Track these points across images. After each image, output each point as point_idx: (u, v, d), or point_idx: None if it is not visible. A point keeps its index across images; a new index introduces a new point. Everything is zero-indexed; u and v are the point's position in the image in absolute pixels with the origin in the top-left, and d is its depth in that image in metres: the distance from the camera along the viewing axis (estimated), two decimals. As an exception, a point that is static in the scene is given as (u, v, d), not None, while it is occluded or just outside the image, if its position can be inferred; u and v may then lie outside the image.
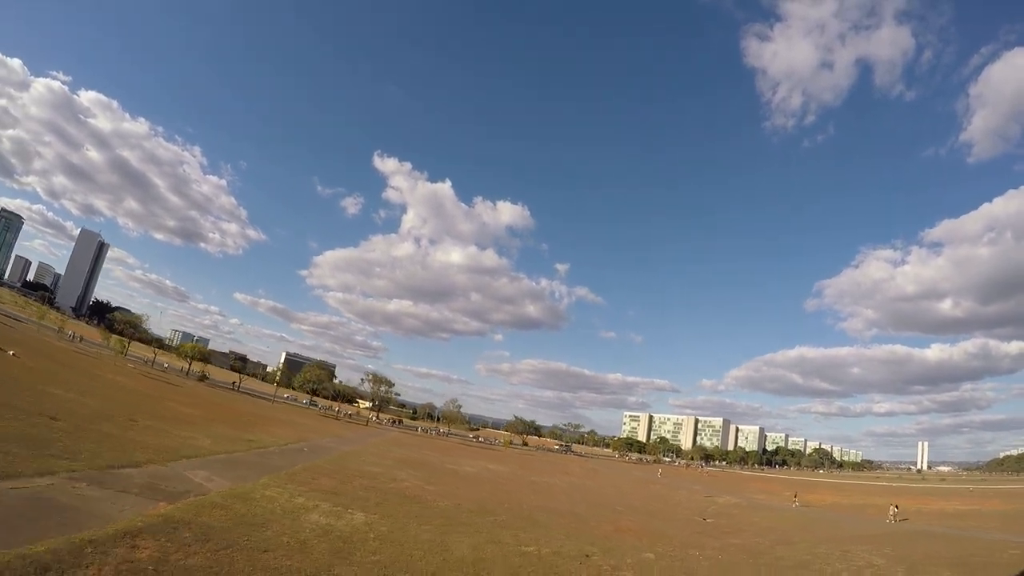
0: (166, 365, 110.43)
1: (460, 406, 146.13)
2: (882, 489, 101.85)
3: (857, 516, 51.20)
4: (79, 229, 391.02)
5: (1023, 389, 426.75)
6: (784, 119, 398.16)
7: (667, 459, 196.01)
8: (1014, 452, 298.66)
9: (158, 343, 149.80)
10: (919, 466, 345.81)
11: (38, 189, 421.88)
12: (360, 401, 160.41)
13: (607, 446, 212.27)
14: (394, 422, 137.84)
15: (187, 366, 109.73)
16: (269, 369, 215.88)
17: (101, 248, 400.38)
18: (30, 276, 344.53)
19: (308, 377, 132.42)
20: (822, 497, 74.25)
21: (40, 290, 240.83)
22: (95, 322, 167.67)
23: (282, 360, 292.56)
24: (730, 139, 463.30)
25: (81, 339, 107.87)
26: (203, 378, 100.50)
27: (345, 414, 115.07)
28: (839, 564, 23.48)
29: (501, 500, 32.35)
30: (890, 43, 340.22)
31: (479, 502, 29.77)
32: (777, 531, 35.06)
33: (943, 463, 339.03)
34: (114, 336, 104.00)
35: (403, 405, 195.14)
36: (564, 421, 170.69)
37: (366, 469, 34.79)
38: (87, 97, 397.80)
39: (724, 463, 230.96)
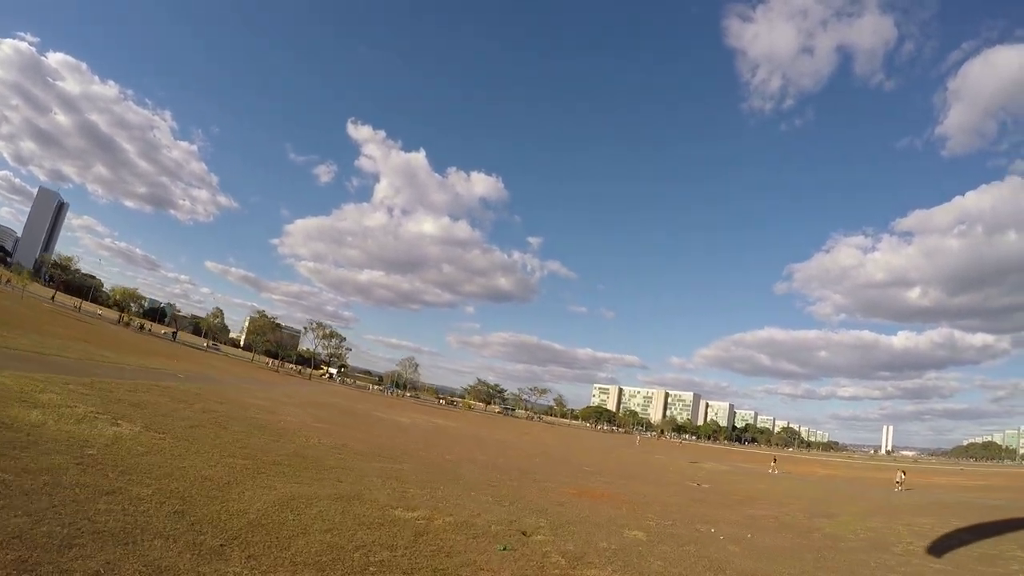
0: (99, 313, 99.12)
1: (417, 365, 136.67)
2: (865, 465, 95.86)
3: (864, 486, 43.23)
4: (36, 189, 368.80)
5: (985, 380, 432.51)
6: (762, 101, 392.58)
7: (638, 432, 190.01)
8: (978, 440, 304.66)
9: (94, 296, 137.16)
10: (884, 449, 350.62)
11: (4, 155, 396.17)
12: (324, 367, 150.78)
13: (576, 418, 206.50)
14: (342, 380, 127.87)
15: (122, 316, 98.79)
16: (233, 335, 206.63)
17: (60, 208, 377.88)
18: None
19: (252, 328, 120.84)
20: (811, 469, 67.09)
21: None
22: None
23: (246, 323, 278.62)
24: (707, 115, 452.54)
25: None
26: (126, 323, 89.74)
27: (292, 371, 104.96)
28: (920, 542, 14.86)
29: (418, 449, 23.06)
30: (872, 32, 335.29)
31: (381, 447, 20.53)
32: (800, 500, 26.39)
33: (905, 447, 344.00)
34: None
35: (369, 372, 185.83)
36: (529, 386, 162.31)
37: (243, 400, 25.21)
38: (55, 59, 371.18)
39: (694, 437, 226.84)
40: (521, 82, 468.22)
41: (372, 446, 20.27)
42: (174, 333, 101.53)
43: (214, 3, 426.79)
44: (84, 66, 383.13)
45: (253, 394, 31.34)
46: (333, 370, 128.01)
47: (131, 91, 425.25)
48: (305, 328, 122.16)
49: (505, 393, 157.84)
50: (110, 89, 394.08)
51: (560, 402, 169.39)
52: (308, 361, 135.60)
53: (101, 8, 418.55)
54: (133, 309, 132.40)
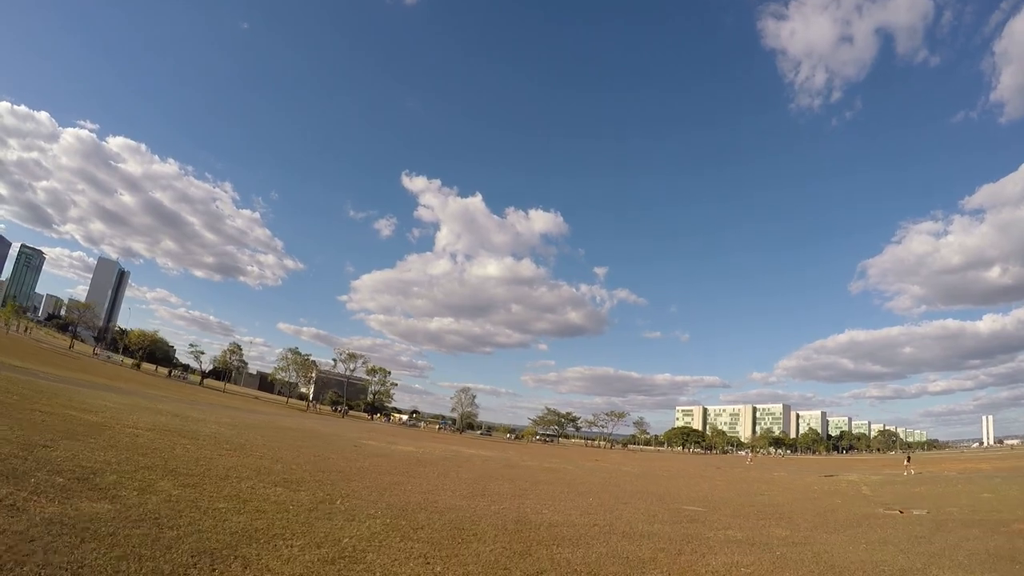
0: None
1: (475, 396, 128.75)
2: (999, 455, 79.47)
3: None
4: (87, 255, 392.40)
5: None
6: (809, 99, 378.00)
7: (748, 451, 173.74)
8: None
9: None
10: (986, 441, 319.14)
11: (76, 236, 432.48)
12: (399, 415, 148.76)
13: (661, 443, 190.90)
14: (413, 423, 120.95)
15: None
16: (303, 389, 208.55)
17: (122, 276, 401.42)
18: (63, 312, 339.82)
19: (282, 366, 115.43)
20: (952, 466, 54.16)
21: (55, 319, 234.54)
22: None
23: (313, 378, 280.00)
24: (758, 125, 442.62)
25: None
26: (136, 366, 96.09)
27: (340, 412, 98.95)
28: None
29: (385, 486, 14.06)
30: (908, 8, 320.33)
31: (317, 470, 11.53)
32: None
33: (1008, 437, 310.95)
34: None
35: (443, 416, 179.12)
36: (606, 410, 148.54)
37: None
38: (115, 143, 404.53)
39: (789, 451, 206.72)
40: (571, 116, 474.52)
41: (304, 471, 11.40)
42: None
43: (261, 73, 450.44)
44: (143, 147, 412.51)
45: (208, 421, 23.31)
46: (404, 416, 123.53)
47: (191, 167, 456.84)
48: (335, 360, 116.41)
49: (578, 421, 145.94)
50: (170, 167, 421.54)
51: (641, 425, 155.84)
52: (376, 408, 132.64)
53: (154, 91, 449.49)
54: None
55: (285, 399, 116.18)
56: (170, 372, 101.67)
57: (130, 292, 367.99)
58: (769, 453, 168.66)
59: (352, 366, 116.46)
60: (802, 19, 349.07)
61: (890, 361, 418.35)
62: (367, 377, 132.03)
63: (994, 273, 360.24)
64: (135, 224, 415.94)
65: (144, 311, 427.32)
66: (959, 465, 61.35)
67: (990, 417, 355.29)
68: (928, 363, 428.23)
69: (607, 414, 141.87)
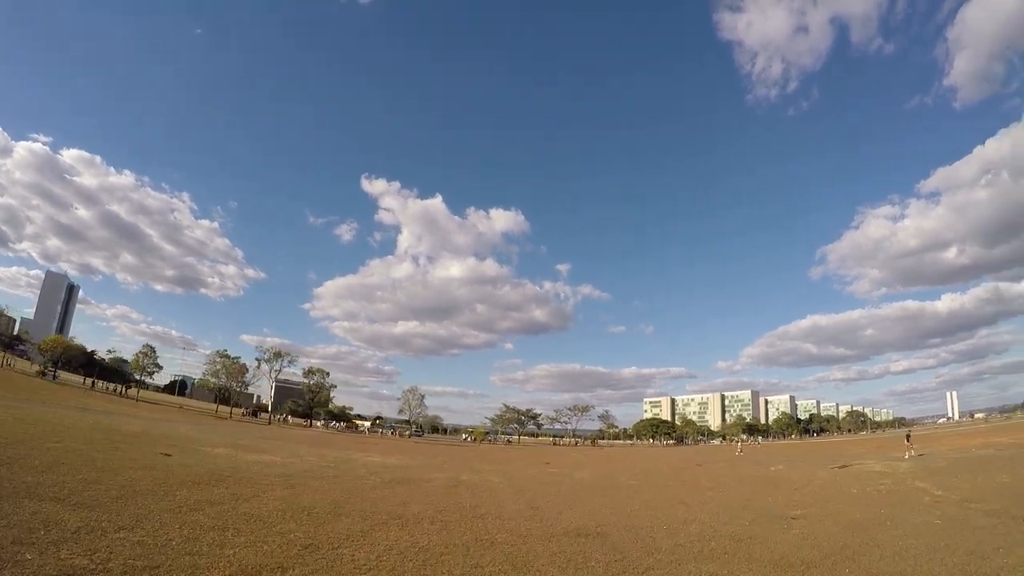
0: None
1: (423, 396, 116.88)
2: (978, 430, 71.18)
3: None
4: (44, 273, 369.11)
5: None
6: (766, 89, 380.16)
7: (740, 439, 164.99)
8: None
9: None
10: (952, 416, 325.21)
11: (33, 254, 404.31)
12: (362, 422, 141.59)
13: (630, 436, 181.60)
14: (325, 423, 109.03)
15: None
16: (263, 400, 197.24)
17: (71, 291, 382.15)
18: (15, 331, 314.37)
19: (211, 371, 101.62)
20: (959, 443, 44.72)
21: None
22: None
23: (272, 388, 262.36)
24: (716, 116, 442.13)
25: None
26: (41, 373, 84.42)
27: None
28: None
29: None
30: None
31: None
32: None
33: (971, 411, 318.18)
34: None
35: (408, 422, 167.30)
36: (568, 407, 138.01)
37: None
38: (69, 155, 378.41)
39: (760, 437, 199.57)
40: (527, 113, 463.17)
41: None
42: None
43: (213, 81, 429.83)
44: (98, 159, 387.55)
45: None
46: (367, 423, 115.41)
47: (147, 178, 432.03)
48: (257, 360, 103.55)
49: (539, 417, 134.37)
50: (126, 178, 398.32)
51: (607, 418, 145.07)
52: (338, 416, 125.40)
53: (107, 101, 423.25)
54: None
55: (241, 411, 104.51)
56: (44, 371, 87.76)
57: (90, 310, 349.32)
58: (744, 440, 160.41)
59: (277, 366, 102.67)
60: (758, 11, 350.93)
61: (853, 344, 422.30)
62: (317, 381, 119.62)
63: (951, 254, 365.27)
64: (92, 238, 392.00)
65: (104, 328, 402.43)
66: (961, 441, 52.36)
67: (954, 393, 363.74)
68: (890, 344, 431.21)
69: (570, 408, 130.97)
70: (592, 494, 19.95)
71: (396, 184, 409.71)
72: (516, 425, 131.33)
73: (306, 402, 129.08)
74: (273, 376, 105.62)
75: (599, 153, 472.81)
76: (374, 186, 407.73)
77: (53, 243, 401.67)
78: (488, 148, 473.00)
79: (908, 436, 44.40)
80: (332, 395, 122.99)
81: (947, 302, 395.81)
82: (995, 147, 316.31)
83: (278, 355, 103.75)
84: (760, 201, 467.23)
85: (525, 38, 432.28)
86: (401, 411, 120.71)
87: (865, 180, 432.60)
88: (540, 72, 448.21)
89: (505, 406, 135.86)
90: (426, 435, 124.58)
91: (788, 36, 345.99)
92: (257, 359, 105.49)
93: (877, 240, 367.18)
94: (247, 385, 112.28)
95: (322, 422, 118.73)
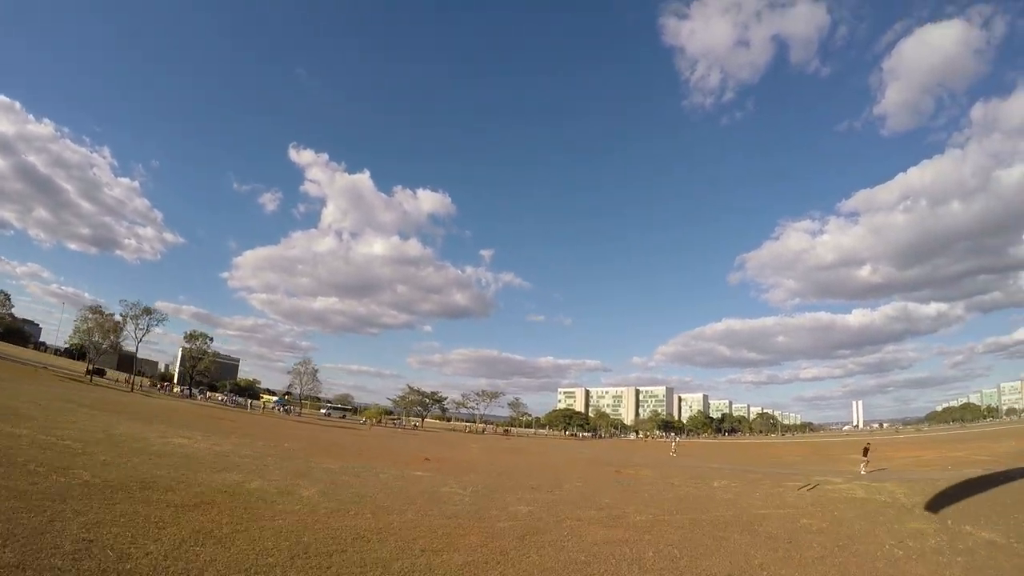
0: None
1: (316, 370, 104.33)
2: (917, 442, 67.78)
3: None
4: None
5: (942, 347, 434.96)
6: (703, 97, 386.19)
7: (674, 436, 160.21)
8: (939, 408, 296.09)
9: None
10: (856, 424, 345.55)
11: None
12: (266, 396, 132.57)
13: (543, 426, 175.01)
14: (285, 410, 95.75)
15: None
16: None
17: None
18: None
19: (81, 328, 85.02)
20: (916, 453, 38.07)
21: None
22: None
23: (178, 356, 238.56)
24: (651, 118, 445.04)
25: None
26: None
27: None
28: None
29: None
30: (805, 20, 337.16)
31: None
32: None
33: (874, 421, 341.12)
34: None
35: (323, 399, 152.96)
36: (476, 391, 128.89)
37: None
38: None
39: (680, 435, 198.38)
40: (463, 100, 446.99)
41: None
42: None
43: (143, 33, 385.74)
44: (18, 105, 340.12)
45: None
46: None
47: (67, 128, 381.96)
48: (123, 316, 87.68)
49: (445, 401, 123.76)
50: (46, 128, 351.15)
51: (518, 406, 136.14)
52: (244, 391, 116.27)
53: (30, 42, 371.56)
54: None
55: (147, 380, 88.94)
56: None
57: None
58: (655, 437, 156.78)
59: (143, 324, 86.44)
60: (703, 20, 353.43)
61: (764, 349, 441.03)
62: (198, 347, 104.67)
63: (865, 272, 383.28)
64: (6, 191, 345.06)
65: (14, 287, 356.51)
66: (913, 453, 46.40)
67: (860, 402, 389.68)
68: (800, 351, 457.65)
69: (479, 393, 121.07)
70: (433, 538, 9.73)
71: (324, 156, 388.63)
72: (420, 408, 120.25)
73: (186, 370, 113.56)
74: (138, 336, 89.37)
75: (531, 144, 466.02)
76: (301, 156, 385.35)
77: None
78: (420, 129, 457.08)
79: (866, 449, 36.88)
80: (211, 362, 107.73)
81: (858, 316, 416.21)
82: (917, 175, 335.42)
83: (148, 311, 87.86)
84: (685, 205, 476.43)
85: (464, 27, 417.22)
86: (291, 385, 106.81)
87: (789, 194, 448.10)
88: (479, 61, 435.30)
89: (409, 387, 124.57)
90: (332, 414, 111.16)
91: (729, 48, 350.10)
92: (122, 314, 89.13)
93: (796, 252, 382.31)
94: (118, 345, 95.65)
95: (200, 393, 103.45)
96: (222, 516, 10.56)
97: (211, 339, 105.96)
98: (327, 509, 12.73)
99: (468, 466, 30.14)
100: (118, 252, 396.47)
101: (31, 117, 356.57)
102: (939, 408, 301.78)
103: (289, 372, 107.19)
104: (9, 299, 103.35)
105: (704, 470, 34.79)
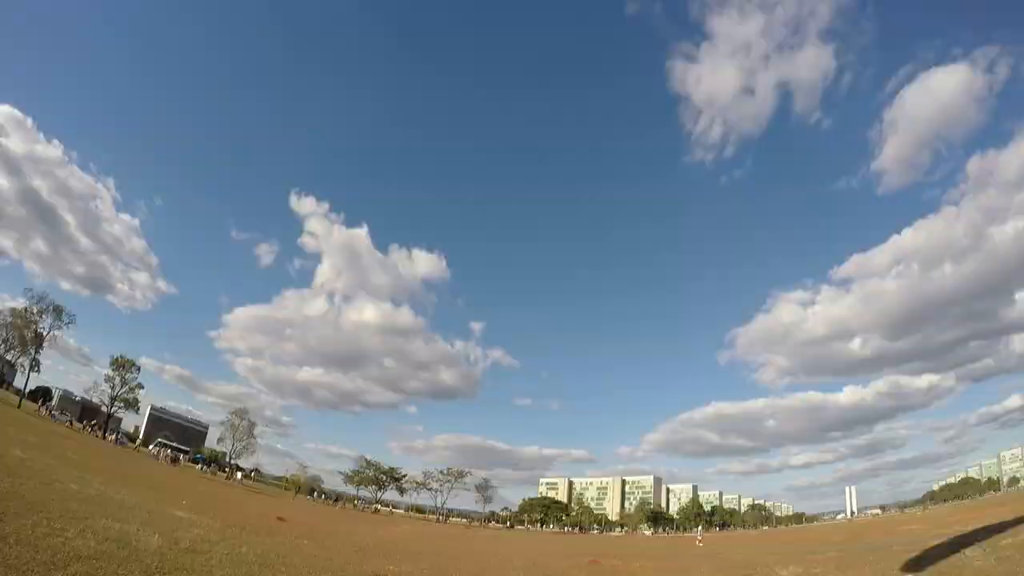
0: None
1: (255, 424, 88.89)
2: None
3: None
4: None
5: (934, 422, 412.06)
6: (703, 152, 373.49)
7: (605, 531, 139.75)
8: (935, 486, 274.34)
9: None
10: (849, 513, 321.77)
11: None
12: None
13: (522, 522, 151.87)
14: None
15: None
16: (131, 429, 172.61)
17: None
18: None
19: None
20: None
21: None
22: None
23: (146, 415, 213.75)
24: (652, 183, 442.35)
25: None
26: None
27: None
28: None
29: None
30: (812, 64, 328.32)
31: None
32: None
33: (866, 508, 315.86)
34: None
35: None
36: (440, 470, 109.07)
37: None
38: (1, 112, 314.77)
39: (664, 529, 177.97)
40: (464, 161, 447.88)
41: None
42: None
43: (156, 60, 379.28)
44: (30, 122, 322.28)
45: None
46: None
47: (75, 153, 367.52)
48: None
49: (403, 480, 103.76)
50: (55, 149, 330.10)
51: (485, 488, 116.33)
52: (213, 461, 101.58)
53: (45, 58, 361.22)
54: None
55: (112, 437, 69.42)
56: None
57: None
58: (643, 532, 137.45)
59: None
60: (711, 64, 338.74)
61: (753, 435, 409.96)
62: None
63: (855, 345, 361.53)
64: (8, 215, 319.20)
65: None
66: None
67: (853, 488, 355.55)
68: (790, 436, 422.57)
69: (443, 472, 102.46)
70: None
71: (326, 205, 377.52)
72: (375, 486, 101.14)
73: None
74: (49, 340, 74.12)
75: (530, 213, 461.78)
76: (302, 204, 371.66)
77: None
78: (418, 187, 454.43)
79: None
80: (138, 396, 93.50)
81: (849, 394, 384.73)
82: (910, 238, 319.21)
83: (59, 310, 73.09)
84: (680, 278, 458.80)
85: (476, 84, 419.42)
86: (220, 439, 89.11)
87: (783, 261, 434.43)
88: (488, 127, 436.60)
89: (365, 460, 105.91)
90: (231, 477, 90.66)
91: (734, 96, 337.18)
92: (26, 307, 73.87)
93: (787, 325, 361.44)
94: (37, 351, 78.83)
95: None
96: None
97: (139, 368, 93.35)
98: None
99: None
100: (109, 297, 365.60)
101: (41, 136, 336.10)
102: (935, 487, 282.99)
103: (222, 423, 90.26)
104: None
105: (751, 556, 19.68)
